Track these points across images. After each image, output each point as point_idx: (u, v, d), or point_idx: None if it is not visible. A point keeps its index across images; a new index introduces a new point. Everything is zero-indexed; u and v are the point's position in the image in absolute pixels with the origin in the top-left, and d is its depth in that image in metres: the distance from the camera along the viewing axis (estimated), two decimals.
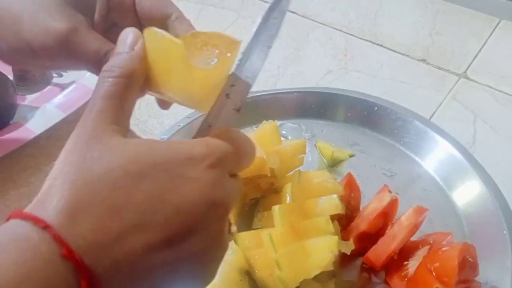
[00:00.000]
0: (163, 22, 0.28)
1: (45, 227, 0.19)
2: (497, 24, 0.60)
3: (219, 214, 0.22)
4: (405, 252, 0.37)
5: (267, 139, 0.40)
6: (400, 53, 0.58)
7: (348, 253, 0.35)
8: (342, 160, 0.46)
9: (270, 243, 0.34)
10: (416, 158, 0.46)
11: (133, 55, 0.23)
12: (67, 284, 0.18)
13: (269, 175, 0.38)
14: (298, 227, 0.35)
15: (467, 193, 0.41)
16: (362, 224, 0.38)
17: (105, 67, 0.23)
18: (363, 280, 0.37)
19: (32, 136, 0.46)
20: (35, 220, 0.19)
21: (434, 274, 0.33)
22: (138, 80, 0.23)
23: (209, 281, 0.23)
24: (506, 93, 0.52)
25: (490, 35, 0.59)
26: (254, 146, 0.25)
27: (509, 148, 0.47)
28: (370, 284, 0.37)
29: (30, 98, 0.52)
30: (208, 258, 0.22)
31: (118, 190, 0.20)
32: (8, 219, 0.20)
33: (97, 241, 0.19)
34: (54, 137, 0.49)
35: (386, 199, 0.38)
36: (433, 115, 0.50)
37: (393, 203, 0.38)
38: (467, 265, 0.34)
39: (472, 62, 0.56)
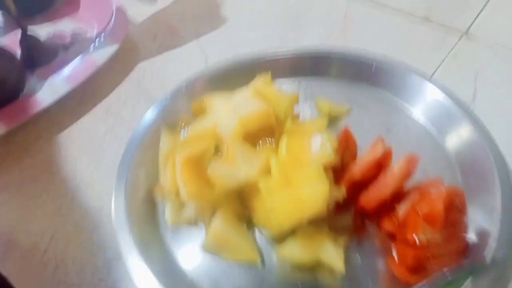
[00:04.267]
0: None
1: None
2: None
3: None
4: (397, 198, 0.39)
5: (262, 91, 0.42)
6: (403, 11, 0.58)
7: (340, 200, 0.37)
8: (339, 115, 0.47)
9: (266, 190, 0.36)
10: (412, 110, 0.47)
11: None
12: None
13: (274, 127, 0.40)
14: (292, 176, 0.37)
15: (460, 141, 0.42)
16: (356, 173, 0.39)
17: None
18: (357, 225, 0.39)
19: (42, 107, 0.50)
20: None
21: (421, 216, 0.34)
22: None
23: None
24: (508, 49, 0.52)
25: None
26: None
27: (510, 104, 0.47)
28: (363, 229, 0.39)
29: (38, 71, 0.55)
30: None
31: None
32: None
33: None
34: (63, 107, 0.52)
35: (380, 150, 0.40)
36: (434, 73, 0.50)
37: (387, 155, 0.40)
38: (455, 209, 0.35)
39: (475, 19, 0.56)
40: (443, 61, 0.51)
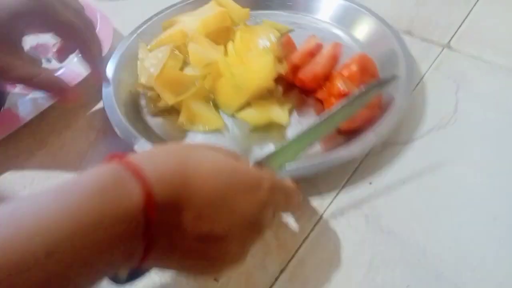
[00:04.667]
0: None
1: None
2: None
3: (254, 235, 0.27)
4: (329, 78, 0.50)
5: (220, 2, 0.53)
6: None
7: (284, 73, 0.48)
8: (284, 33, 0.59)
9: (227, 68, 0.47)
10: (339, 25, 0.59)
11: None
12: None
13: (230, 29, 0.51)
14: (245, 57, 0.48)
15: (366, 32, 0.56)
16: (295, 59, 0.51)
17: None
18: (299, 100, 0.51)
19: (23, 122, 0.47)
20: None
21: (343, 75, 0.46)
22: None
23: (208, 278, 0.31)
24: (489, 62, 0.53)
25: (475, 4, 0.61)
26: (300, 198, 0.32)
27: (491, 116, 0.47)
28: (304, 102, 0.50)
29: (20, 85, 0.51)
30: (226, 262, 0.27)
31: (205, 176, 0.25)
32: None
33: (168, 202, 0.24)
34: (45, 122, 0.50)
35: (312, 42, 0.52)
36: (416, 86, 0.51)
37: (318, 46, 0.51)
38: (367, 71, 0.47)
39: (456, 32, 0.57)
40: (424, 74, 0.52)
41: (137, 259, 0.24)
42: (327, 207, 0.41)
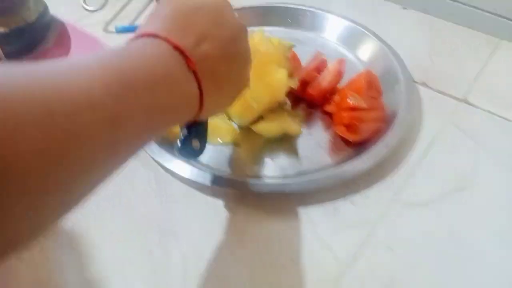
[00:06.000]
0: None
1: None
2: (497, 45, 0.60)
3: (245, 35, 0.36)
4: (334, 92, 0.53)
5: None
6: None
7: (295, 87, 0.51)
8: (287, 48, 0.62)
9: None
10: (332, 40, 0.62)
11: None
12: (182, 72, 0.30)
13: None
14: (261, 73, 0.50)
15: (371, 54, 0.59)
16: (302, 74, 0.54)
17: None
18: (307, 112, 0.53)
19: None
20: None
21: (350, 89, 0.49)
22: None
23: (246, 85, 0.38)
24: (508, 119, 0.51)
25: (490, 56, 0.59)
26: None
27: (510, 178, 0.46)
28: (312, 115, 0.53)
29: None
30: (246, 60, 0.37)
31: (199, 15, 0.33)
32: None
33: (192, 43, 0.31)
34: None
35: (318, 58, 0.55)
36: (432, 142, 0.50)
37: (323, 61, 0.54)
38: (373, 86, 0.51)
39: (471, 85, 0.55)
40: (441, 129, 0.51)
41: (195, 104, 0.31)
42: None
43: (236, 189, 0.46)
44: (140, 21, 0.67)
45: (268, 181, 0.46)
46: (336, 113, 0.50)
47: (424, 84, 0.57)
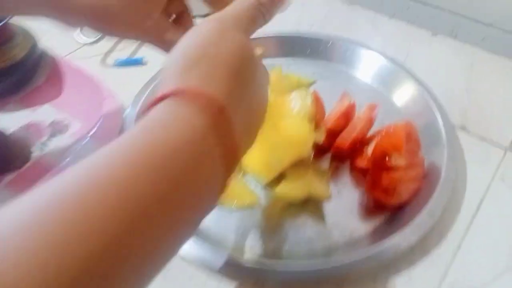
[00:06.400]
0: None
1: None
2: None
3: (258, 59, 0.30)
4: (365, 142, 0.47)
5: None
6: None
7: (321, 142, 0.44)
8: (307, 85, 0.55)
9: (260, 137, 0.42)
10: (361, 76, 0.56)
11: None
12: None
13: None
14: (280, 124, 0.43)
15: (404, 93, 0.52)
16: (328, 123, 0.47)
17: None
18: (334, 166, 0.47)
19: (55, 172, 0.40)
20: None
21: (388, 145, 0.42)
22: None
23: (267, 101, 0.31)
24: None
25: None
26: None
27: None
28: (339, 170, 0.46)
29: (7, 180, 0.42)
30: (264, 81, 0.31)
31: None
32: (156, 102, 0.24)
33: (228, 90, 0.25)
34: None
35: (346, 102, 0.48)
36: (480, 204, 0.43)
37: (351, 106, 0.48)
38: (412, 140, 0.44)
39: None
40: (488, 186, 0.44)
41: (232, 149, 0.25)
42: None
43: (254, 277, 0.38)
44: (140, 53, 0.60)
45: (291, 263, 0.39)
46: (370, 171, 0.44)
47: (463, 129, 0.50)
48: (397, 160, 0.41)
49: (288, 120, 0.43)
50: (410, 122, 0.44)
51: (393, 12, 0.65)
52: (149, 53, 0.59)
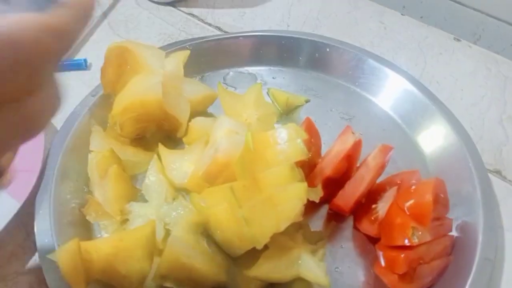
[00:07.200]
0: None
1: None
2: None
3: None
4: (372, 194, 0.35)
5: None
6: None
7: (317, 201, 0.32)
8: (297, 107, 0.43)
9: (233, 198, 0.30)
10: (373, 99, 0.43)
11: None
12: None
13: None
14: (261, 178, 0.31)
15: (428, 129, 0.40)
16: (326, 169, 0.35)
17: None
18: (331, 228, 0.35)
19: None
20: None
21: (408, 213, 0.31)
22: None
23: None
24: None
25: None
26: None
27: None
28: (338, 232, 0.35)
29: None
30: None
31: None
32: None
33: None
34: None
35: (350, 141, 0.35)
36: None
37: (357, 145, 0.35)
38: (440, 201, 0.32)
39: None
40: None
41: None
42: None
43: None
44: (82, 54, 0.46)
45: None
46: (381, 245, 0.32)
47: (498, 173, 0.39)
48: (421, 237, 0.30)
49: (271, 172, 0.31)
50: (439, 180, 0.32)
51: (403, 4, 0.52)
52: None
